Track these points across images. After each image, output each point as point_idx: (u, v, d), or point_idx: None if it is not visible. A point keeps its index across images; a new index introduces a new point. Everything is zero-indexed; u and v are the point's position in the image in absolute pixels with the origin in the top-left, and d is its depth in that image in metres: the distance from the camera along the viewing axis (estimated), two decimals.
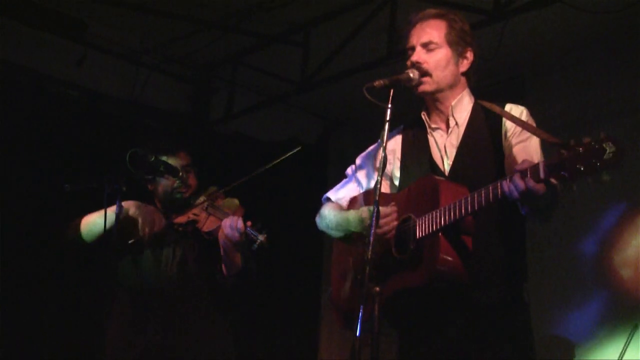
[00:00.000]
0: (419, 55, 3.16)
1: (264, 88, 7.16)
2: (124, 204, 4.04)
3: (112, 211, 3.98)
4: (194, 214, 4.16)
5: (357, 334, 2.66)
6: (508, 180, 2.68)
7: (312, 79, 6.48)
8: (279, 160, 4.04)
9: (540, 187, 2.61)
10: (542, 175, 2.58)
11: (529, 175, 2.62)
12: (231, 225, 3.92)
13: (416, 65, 3.14)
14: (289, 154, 4.02)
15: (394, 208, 3.07)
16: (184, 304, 4.12)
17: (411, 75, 3.13)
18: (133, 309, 4.13)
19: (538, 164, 2.60)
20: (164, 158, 4.18)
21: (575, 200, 5.81)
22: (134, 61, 6.73)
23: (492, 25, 5.48)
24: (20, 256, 5.81)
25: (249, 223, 3.94)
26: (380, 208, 2.94)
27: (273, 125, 7.62)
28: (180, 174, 4.16)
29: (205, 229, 4.14)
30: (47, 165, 6.09)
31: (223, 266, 4.06)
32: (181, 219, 4.18)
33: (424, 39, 3.17)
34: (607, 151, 2.40)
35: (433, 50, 3.16)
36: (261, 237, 3.92)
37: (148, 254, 4.19)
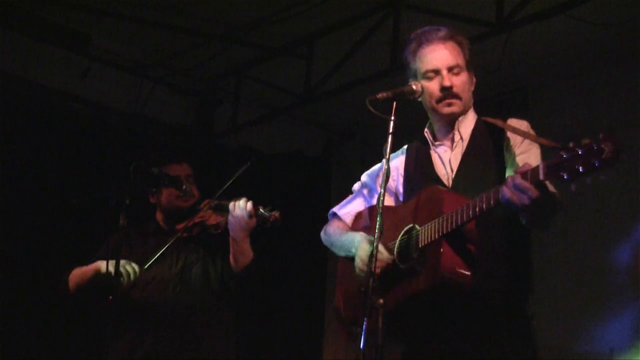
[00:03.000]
0: (450, 79, 3.19)
1: (267, 100, 7.18)
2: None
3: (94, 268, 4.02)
4: (200, 217, 4.19)
5: (362, 346, 2.66)
6: (508, 185, 2.70)
7: (315, 92, 6.49)
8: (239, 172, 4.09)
9: (540, 189, 2.63)
10: (541, 176, 2.61)
11: (529, 177, 2.63)
12: (239, 206, 3.93)
13: (449, 90, 3.17)
14: (244, 168, 4.10)
15: (390, 258, 3.07)
16: (186, 312, 4.12)
17: (414, 87, 3.16)
18: (135, 319, 4.14)
19: (538, 166, 2.63)
20: (168, 166, 4.24)
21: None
22: (138, 74, 6.75)
23: (495, 38, 5.49)
24: (21, 269, 5.82)
25: (259, 207, 3.96)
26: (380, 251, 2.97)
27: (277, 138, 7.64)
28: (184, 186, 4.19)
29: (212, 222, 4.16)
30: (51, 179, 6.11)
31: (231, 258, 4.06)
32: (186, 224, 4.20)
33: (451, 63, 3.20)
34: (606, 151, 2.41)
35: (458, 74, 3.21)
36: (275, 214, 3.94)
37: (150, 265, 4.19)
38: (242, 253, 4.04)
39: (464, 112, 3.24)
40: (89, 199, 4.18)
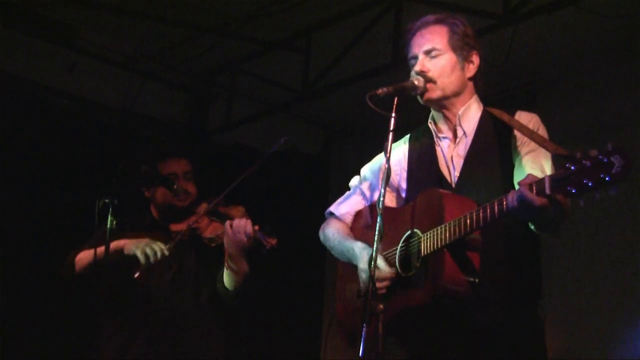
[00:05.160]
0: (422, 64, 3.16)
1: (263, 96, 7.16)
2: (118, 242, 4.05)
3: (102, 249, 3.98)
4: (195, 222, 4.16)
5: (361, 353, 2.65)
6: (512, 195, 2.67)
7: (313, 87, 6.47)
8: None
9: (545, 202, 2.59)
10: (547, 190, 2.56)
11: (534, 190, 2.60)
12: (236, 227, 3.91)
13: (421, 75, 3.14)
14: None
15: (392, 273, 3.04)
16: (177, 316, 4.11)
17: (416, 82, 3.13)
18: (124, 322, 4.13)
19: (544, 178, 2.58)
20: (166, 162, 4.23)
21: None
22: (128, 68, 6.73)
23: (501, 30, 5.47)
24: (6, 269, 5.81)
25: (256, 227, 3.93)
26: (379, 267, 2.94)
27: (273, 135, 7.55)
28: (175, 186, 4.16)
29: (208, 234, 4.14)
30: (37, 177, 6.10)
31: (225, 273, 4.04)
32: (180, 227, 4.18)
33: (426, 47, 3.17)
34: (616, 165, 2.37)
35: (436, 57, 3.16)
36: (272, 241, 3.92)
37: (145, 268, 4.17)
38: (237, 270, 4.02)
39: (446, 97, 3.19)
40: (76, 199, 4.15)
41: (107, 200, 3.82)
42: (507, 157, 3.08)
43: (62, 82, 6.41)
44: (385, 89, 3.03)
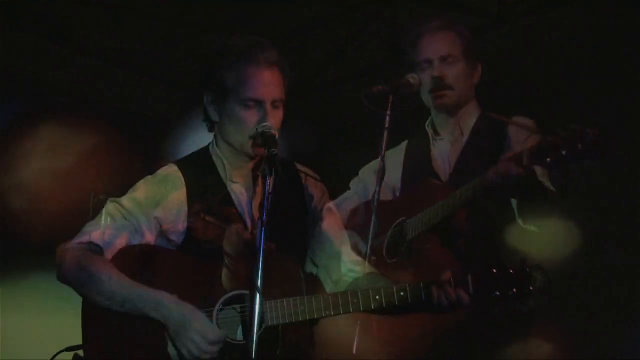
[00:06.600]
0: (439, 69, 3.21)
1: None
2: None
3: None
4: (189, 222, 4.15)
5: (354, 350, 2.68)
6: (493, 169, 2.74)
7: (310, 85, 6.48)
8: None
9: (522, 173, 2.66)
10: (525, 161, 2.64)
11: (513, 162, 2.67)
12: (236, 233, 3.92)
13: (438, 80, 3.19)
14: None
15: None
16: None
17: (411, 80, 3.18)
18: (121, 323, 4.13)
19: (522, 151, 2.66)
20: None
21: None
22: (127, 67, 6.73)
23: (498, 30, 5.49)
24: (6, 271, 5.83)
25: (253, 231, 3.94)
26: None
27: None
28: None
29: (204, 237, 4.13)
30: (36, 176, 6.10)
31: (224, 275, 4.04)
32: None
33: (443, 52, 3.24)
34: (590, 135, 2.45)
35: (452, 64, 3.24)
36: (270, 245, 3.93)
37: None
38: (235, 274, 4.02)
39: (459, 104, 3.25)
40: (75, 197, 4.16)
41: (101, 197, 3.84)
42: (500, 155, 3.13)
43: (59, 80, 6.41)
44: (380, 87, 3.08)
